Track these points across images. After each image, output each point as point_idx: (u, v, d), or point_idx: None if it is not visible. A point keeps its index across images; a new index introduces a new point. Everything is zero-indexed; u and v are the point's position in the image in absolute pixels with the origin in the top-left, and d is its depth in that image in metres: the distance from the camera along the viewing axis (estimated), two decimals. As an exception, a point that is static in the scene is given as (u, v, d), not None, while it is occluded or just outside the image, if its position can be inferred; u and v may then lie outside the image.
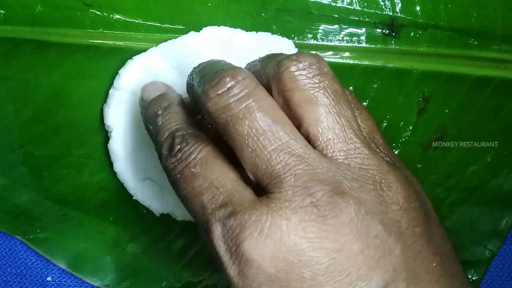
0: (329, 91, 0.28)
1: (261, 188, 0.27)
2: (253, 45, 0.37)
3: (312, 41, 0.38)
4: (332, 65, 0.29)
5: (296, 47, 0.37)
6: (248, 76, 0.27)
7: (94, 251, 0.39)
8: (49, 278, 0.40)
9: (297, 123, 0.28)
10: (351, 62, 0.38)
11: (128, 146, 0.37)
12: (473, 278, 0.39)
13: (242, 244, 0.25)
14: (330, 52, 0.38)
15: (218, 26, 0.37)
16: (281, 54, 0.30)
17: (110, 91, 0.37)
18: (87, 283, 0.40)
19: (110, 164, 0.38)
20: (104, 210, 0.39)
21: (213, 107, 0.27)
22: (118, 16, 0.37)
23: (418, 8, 0.37)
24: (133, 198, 0.37)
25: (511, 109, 0.38)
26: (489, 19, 0.37)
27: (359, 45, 0.38)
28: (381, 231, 0.26)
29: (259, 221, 0.25)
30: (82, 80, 0.38)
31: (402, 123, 0.38)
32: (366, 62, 0.38)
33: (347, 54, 0.38)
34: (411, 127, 0.38)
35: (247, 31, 0.37)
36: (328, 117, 0.27)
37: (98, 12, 0.37)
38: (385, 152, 0.31)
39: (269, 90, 0.28)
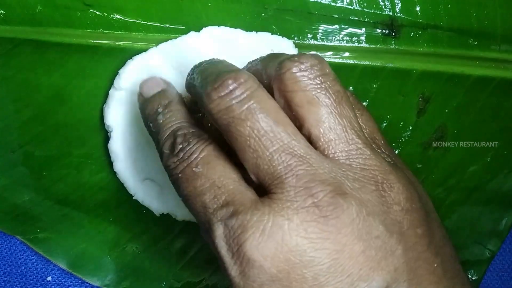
0: (330, 92, 0.28)
1: (263, 189, 0.27)
2: (253, 45, 0.36)
3: (312, 41, 0.38)
4: (332, 65, 0.29)
5: (296, 47, 0.37)
6: (250, 78, 0.27)
7: (94, 251, 0.39)
8: (49, 278, 0.40)
9: (299, 124, 0.28)
10: (351, 62, 0.38)
11: (128, 146, 0.37)
12: (473, 278, 0.39)
13: (243, 244, 0.25)
14: (330, 52, 0.38)
15: (218, 26, 0.37)
16: (283, 54, 0.30)
17: (110, 91, 0.37)
18: (87, 283, 0.40)
19: (110, 164, 0.38)
20: (104, 210, 0.39)
21: (215, 109, 0.27)
22: (118, 16, 0.37)
23: (418, 8, 0.37)
24: (133, 198, 0.37)
25: (511, 109, 0.38)
26: (489, 19, 0.37)
27: (359, 45, 0.38)
28: (382, 231, 0.26)
29: (261, 222, 0.25)
30: (82, 80, 0.38)
31: (402, 123, 0.38)
32: (366, 62, 0.38)
33: (347, 54, 0.38)
34: (411, 127, 0.38)
35: (247, 31, 0.37)
36: (329, 118, 0.27)
37: (98, 12, 0.37)
38: (387, 152, 0.31)
39: (270, 90, 0.28)
